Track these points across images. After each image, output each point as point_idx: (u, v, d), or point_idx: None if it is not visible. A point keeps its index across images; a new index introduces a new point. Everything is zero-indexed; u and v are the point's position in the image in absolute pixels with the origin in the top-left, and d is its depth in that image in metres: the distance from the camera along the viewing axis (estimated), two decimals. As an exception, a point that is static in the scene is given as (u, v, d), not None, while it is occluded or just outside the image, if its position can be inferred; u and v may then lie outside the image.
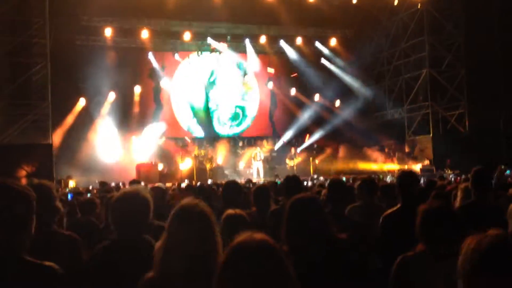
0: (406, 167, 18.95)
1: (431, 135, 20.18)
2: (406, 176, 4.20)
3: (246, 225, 3.13)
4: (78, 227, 4.70)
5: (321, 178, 15.80)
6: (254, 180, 16.27)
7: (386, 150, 20.61)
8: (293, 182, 4.80)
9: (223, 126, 22.87)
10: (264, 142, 21.77)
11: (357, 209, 4.68)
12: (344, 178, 12.71)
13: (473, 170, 4.41)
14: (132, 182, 7.45)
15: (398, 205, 4.16)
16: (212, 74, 22.75)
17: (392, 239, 3.86)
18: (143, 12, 19.32)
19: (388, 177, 15.47)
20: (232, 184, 4.88)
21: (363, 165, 19.61)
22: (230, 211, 3.21)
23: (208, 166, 19.28)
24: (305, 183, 10.68)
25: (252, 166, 20.30)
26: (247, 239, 1.71)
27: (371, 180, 5.15)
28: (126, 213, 2.72)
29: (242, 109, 23.41)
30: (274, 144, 22.28)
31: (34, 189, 2.48)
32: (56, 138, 17.73)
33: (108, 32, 19.73)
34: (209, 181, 14.51)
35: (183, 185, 10.75)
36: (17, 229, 2.12)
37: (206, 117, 22.58)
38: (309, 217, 2.68)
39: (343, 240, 2.80)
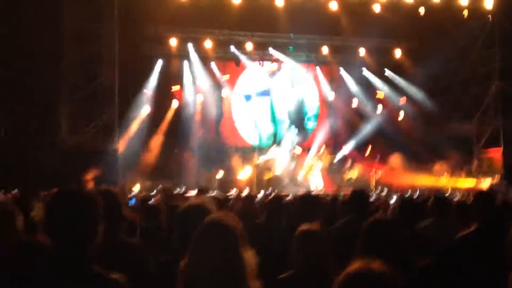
0: (474, 183, 18.14)
1: (502, 149, 19.21)
2: (483, 197, 3.94)
3: (323, 243, 2.97)
4: (142, 234, 4.73)
5: (384, 192, 15.25)
6: (313, 191, 16.03)
7: (454, 165, 19.72)
8: (359, 197, 4.60)
9: (284, 136, 22.76)
10: (324, 153, 21.48)
11: (429, 228, 4.43)
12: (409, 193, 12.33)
13: None
14: (200, 190, 7.48)
15: (474, 227, 3.90)
16: (274, 84, 22.78)
17: (466, 262, 3.65)
18: (207, 22, 19.62)
19: (457, 194, 14.74)
20: (309, 198, 4.68)
21: (428, 180, 18.84)
22: (304, 226, 3.06)
23: (266, 175, 19.25)
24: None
25: (311, 177, 20.05)
26: (365, 268, 1.59)
27: (444, 198, 4.89)
28: (189, 228, 2.67)
29: (306, 119, 23.32)
30: (334, 155, 21.94)
31: (101, 195, 2.47)
32: (121, 143, 18.27)
33: (173, 41, 20.18)
34: (270, 190, 14.40)
35: (244, 193, 10.72)
36: (85, 237, 2.09)
37: (270, 127, 22.63)
38: (388, 244, 2.51)
39: (427, 267, 2.60)
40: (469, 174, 19.32)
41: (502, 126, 19.33)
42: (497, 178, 18.49)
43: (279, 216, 4.51)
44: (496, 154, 19.42)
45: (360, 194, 4.53)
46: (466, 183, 18.33)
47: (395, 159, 20.87)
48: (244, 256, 2.13)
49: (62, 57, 17.05)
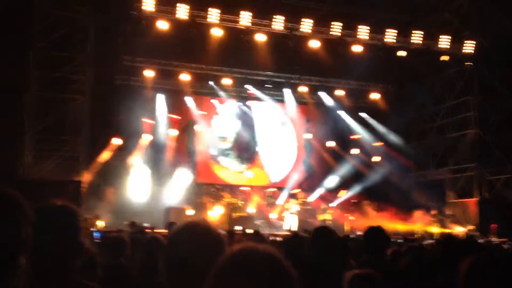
0: (448, 230, 17.78)
1: (475, 198, 19.00)
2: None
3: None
4: (106, 272, 4.01)
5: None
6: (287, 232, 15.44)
7: (431, 211, 19.34)
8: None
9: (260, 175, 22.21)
10: (298, 194, 21.02)
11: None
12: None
13: None
14: (169, 224, 6.69)
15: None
16: (250, 121, 22.38)
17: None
18: (185, 56, 19.24)
19: (428, 240, 14.27)
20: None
21: (402, 226, 18.38)
22: (357, 271, 2.42)
23: (236, 214, 18.68)
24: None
25: (285, 218, 19.43)
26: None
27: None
28: (190, 258, 1.80)
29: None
30: (308, 196, 21.48)
31: (53, 213, 1.98)
32: (87, 176, 17.34)
33: (149, 73, 19.66)
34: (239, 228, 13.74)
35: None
36: None
37: (244, 164, 22.13)
38: None
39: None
40: (443, 222, 18.95)
41: (477, 174, 19.16)
42: (471, 227, 18.17)
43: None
44: (470, 203, 19.17)
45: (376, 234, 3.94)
46: (439, 231, 17.92)
47: (369, 203, 20.51)
48: None
49: (29, 86, 16.19)
